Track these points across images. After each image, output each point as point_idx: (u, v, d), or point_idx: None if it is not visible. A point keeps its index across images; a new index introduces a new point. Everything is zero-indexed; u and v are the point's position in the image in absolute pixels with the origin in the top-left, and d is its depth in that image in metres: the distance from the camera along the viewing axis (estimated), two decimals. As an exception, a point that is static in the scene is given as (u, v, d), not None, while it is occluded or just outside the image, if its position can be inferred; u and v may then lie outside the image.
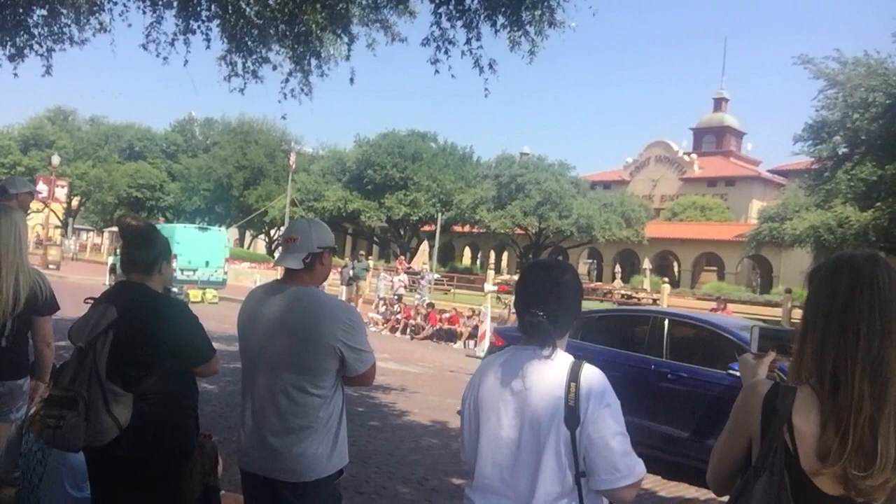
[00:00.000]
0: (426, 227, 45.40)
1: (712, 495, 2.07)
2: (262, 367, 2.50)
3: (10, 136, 50.68)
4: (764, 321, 14.12)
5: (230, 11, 7.72)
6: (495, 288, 21.77)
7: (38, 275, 3.34)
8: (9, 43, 7.93)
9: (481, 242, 51.32)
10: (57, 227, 50.79)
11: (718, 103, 63.04)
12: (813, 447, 1.44)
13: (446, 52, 7.41)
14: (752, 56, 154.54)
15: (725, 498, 1.61)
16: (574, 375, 1.82)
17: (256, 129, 50.72)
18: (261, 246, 55.25)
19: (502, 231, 41.08)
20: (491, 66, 7.38)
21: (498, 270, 40.76)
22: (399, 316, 18.09)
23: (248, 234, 55.28)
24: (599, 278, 46.19)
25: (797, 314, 14.47)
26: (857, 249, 1.64)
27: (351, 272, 20.72)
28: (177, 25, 7.93)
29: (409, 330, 17.38)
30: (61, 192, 34.08)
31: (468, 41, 7.26)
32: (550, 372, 1.85)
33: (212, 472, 3.10)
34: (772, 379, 1.70)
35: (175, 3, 7.87)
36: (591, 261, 52.78)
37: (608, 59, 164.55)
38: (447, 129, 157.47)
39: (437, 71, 7.48)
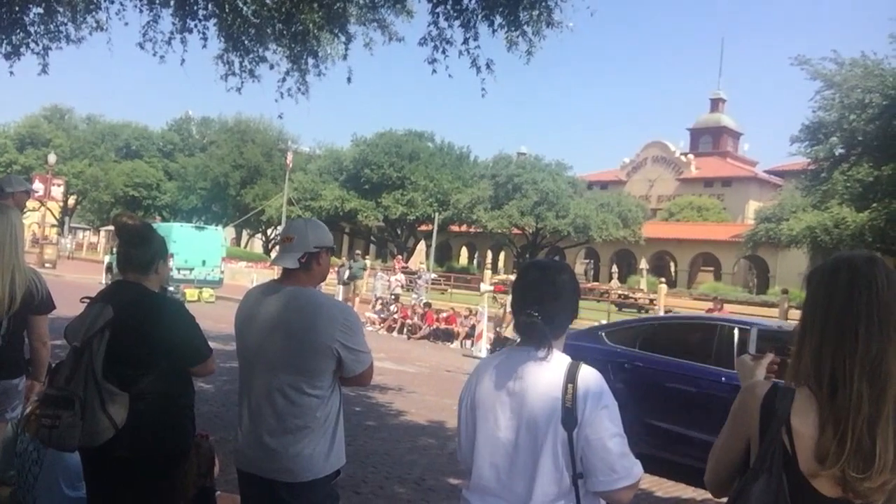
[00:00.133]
0: (423, 227, 45.42)
1: (709, 496, 2.07)
2: (259, 367, 2.49)
3: (6, 135, 50.65)
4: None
5: (227, 10, 7.70)
6: (491, 288, 21.82)
7: (35, 274, 3.32)
8: (5, 41, 7.90)
9: (478, 242, 51.37)
10: (53, 225, 50.72)
11: (715, 104, 63.19)
12: (811, 449, 1.43)
13: (444, 52, 7.41)
14: (750, 57, 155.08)
15: (723, 499, 1.60)
16: (571, 376, 1.82)
17: (253, 128, 50.67)
18: (257, 245, 55.19)
19: (499, 231, 41.16)
20: (488, 66, 7.37)
21: (495, 270, 40.77)
22: (396, 316, 18.07)
23: (244, 234, 55.26)
24: (596, 278, 46.34)
25: (794, 315, 14.48)
26: (854, 250, 1.64)
27: (348, 272, 20.69)
28: (173, 24, 7.93)
29: (405, 330, 17.37)
30: (57, 191, 34.05)
31: (465, 41, 7.26)
32: (547, 373, 1.84)
33: (208, 472, 3.09)
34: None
35: (172, 2, 7.85)
36: (587, 261, 52.91)
37: (605, 60, 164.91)
38: (444, 129, 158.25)
39: (434, 71, 7.49)
